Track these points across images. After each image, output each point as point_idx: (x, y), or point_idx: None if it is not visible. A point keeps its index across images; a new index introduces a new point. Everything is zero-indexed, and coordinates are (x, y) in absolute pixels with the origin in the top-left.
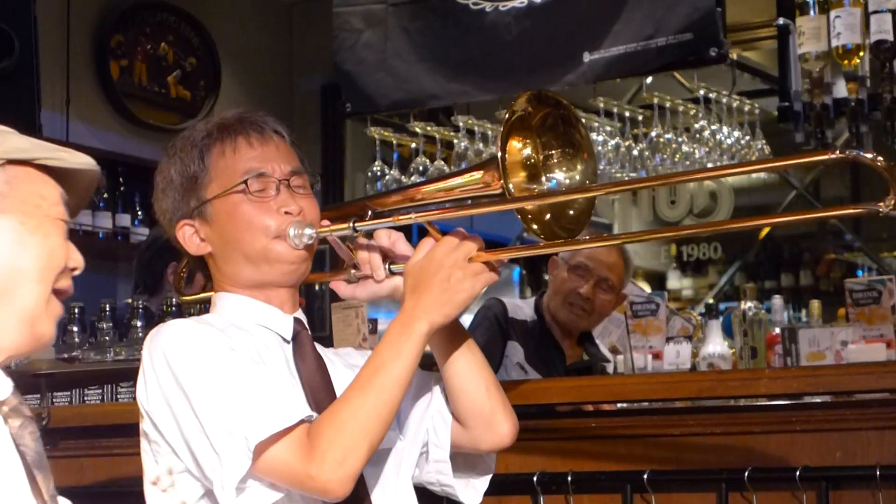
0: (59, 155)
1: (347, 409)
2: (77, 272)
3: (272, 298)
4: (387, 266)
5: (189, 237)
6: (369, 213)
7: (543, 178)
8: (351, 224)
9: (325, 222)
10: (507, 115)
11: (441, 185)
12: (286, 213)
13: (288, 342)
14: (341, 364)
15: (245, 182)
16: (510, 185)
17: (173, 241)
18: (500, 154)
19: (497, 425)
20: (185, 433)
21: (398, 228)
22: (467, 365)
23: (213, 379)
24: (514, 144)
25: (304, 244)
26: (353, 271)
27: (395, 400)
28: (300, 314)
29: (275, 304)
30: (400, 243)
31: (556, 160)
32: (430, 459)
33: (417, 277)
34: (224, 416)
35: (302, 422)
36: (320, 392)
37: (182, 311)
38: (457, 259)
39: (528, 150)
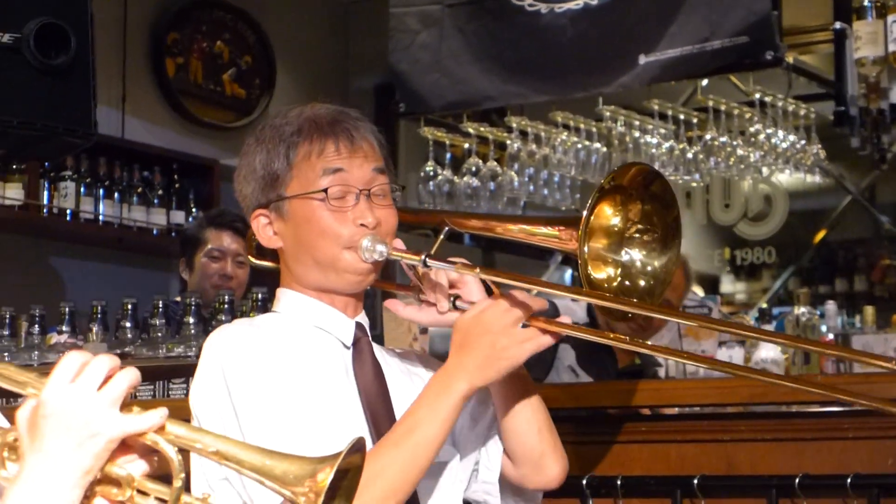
0: None
1: (377, 464)
2: None
3: (336, 301)
4: (451, 299)
5: (262, 227)
6: (445, 229)
7: (623, 252)
8: (423, 258)
9: (399, 244)
10: (607, 180)
11: (522, 226)
12: (361, 224)
13: (348, 348)
14: (399, 371)
15: (325, 191)
16: (585, 248)
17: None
18: (584, 214)
19: (545, 468)
20: None
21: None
22: (521, 406)
23: (264, 406)
24: (605, 209)
25: (374, 259)
26: (420, 295)
27: (426, 460)
28: (362, 317)
29: (338, 308)
30: (470, 278)
31: (641, 238)
32: (479, 479)
33: (465, 336)
34: (268, 445)
35: None
36: (376, 401)
37: (234, 310)
38: (505, 324)
39: (616, 219)
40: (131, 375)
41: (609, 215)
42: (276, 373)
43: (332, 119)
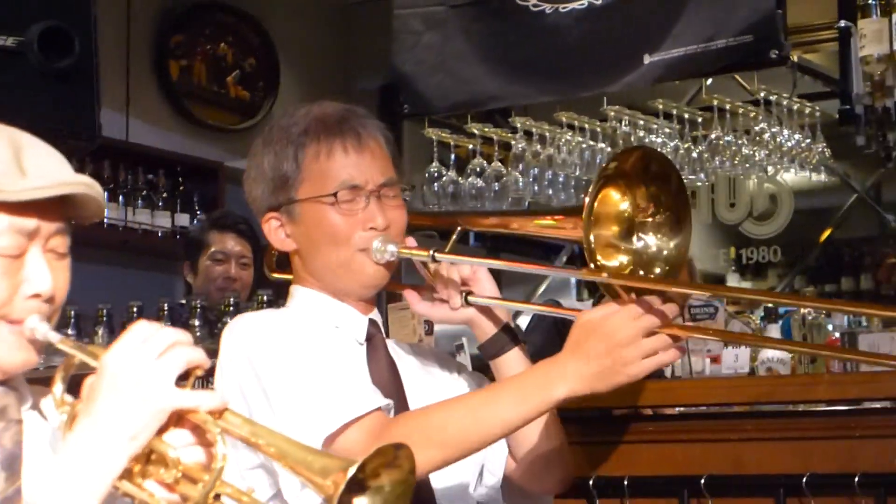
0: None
1: (441, 417)
2: (41, 298)
3: (349, 299)
4: (463, 296)
5: (274, 230)
6: (458, 229)
7: (634, 238)
8: (431, 253)
9: (411, 241)
10: (609, 165)
11: (532, 219)
12: (371, 227)
13: (362, 344)
14: (413, 366)
15: (335, 195)
16: (591, 237)
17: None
18: (587, 200)
19: (548, 475)
20: None
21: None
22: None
23: (290, 374)
24: (611, 195)
25: (386, 260)
26: (433, 294)
27: (491, 438)
28: (375, 314)
29: (351, 304)
30: (482, 274)
31: (651, 222)
32: (483, 483)
33: (584, 337)
34: (299, 411)
35: (377, 409)
36: (391, 396)
37: (239, 312)
38: (631, 335)
39: (623, 205)
40: (194, 353)
41: (616, 201)
42: (299, 347)
43: (340, 118)
